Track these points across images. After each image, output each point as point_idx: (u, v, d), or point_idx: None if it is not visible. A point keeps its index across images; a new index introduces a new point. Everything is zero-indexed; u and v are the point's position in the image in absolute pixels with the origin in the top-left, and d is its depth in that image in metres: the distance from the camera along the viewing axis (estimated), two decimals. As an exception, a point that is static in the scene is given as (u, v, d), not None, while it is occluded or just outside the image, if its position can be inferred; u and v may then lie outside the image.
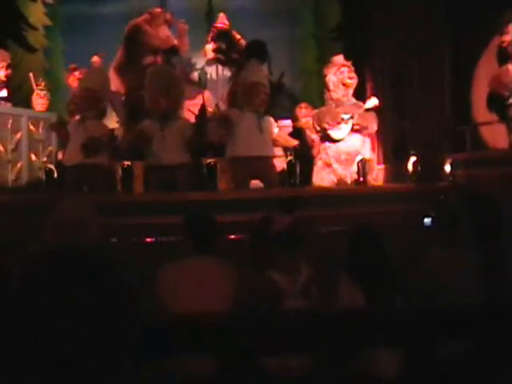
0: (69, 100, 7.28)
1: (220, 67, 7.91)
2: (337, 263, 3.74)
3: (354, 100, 6.70)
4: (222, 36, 7.76)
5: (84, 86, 6.23)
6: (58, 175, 5.95)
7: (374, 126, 6.64)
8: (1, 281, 3.40)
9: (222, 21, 7.85)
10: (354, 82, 6.63)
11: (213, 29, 7.87)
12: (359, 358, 3.12)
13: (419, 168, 6.06)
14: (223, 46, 7.77)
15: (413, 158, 6.09)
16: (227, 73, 7.92)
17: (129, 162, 5.96)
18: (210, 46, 7.91)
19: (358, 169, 6.18)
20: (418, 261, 3.54)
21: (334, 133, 6.47)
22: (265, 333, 3.04)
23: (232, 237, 5.03)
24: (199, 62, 8.04)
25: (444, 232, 3.62)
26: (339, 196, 5.81)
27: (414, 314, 3.11)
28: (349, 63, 6.70)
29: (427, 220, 4.15)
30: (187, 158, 6.07)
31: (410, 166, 6.09)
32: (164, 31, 7.77)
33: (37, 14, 8.70)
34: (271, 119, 6.31)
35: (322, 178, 6.46)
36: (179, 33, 7.90)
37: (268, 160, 6.16)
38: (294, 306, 3.44)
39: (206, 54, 7.95)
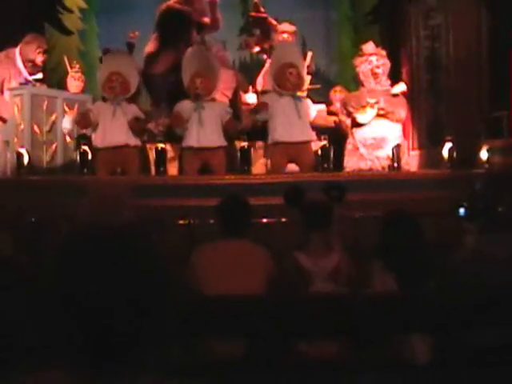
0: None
1: (253, 50, 7.88)
2: (370, 249, 3.73)
3: (388, 85, 6.63)
4: (258, 23, 7.71)
5: (112, 69, 6.23)
6: (92, 157, 5.99)
7: (401, 112, 6.54)
8: (38, 259, 3.45)
9: (257, 8, 7.79)
10: (383, 69, 6.55)
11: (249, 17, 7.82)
12: (392, 344, 3.10)
13: (455, 154, 5.97)
14: (258, 33, 7.72)
15: (448, 144, 6.00)
16: (260, 56, 7.88)
17: (163, 144, 5.98)
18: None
19: (393, 154, 6.12)
20: (451, 248, 3.51)
21: (359, 116, 6.41)
22: (296, 316, 3.03)
23: (266, 220, 5.03)
24: (233, 45, 8.01)
25: (478, 221, 3.58)
26: (372, 181, 5.77)
27: (447, 299, 3.07)
28: (378, 50, 6.63)
29: (462, 209, 4.09)
30: (223, 141, 6.06)
31: (445, 153, 6.00)
32: (197, 7, 7.73)
33: (72, -3, 8.74)
34: (309, 101, 6.27)
35: (353, 162, 6.42)
36: (211, 8, 7.85)
37: (306, 145, 6.13)
38: (321, 290, 3.44)
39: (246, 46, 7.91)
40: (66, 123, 6.26)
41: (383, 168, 6.30)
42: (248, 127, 6.42)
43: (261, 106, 6.19)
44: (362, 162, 6.37)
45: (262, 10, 7.72)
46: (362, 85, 6.61)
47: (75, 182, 5.51)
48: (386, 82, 6.62)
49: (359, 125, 6.43)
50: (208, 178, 5.68)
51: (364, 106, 6.36)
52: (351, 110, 6.41)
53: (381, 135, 6.36)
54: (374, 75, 6.51)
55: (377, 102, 6.36)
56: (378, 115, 6.40)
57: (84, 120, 6.17)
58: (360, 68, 6.57)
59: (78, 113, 6.30)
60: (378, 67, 6.51)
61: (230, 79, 7.06)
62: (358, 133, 6.42)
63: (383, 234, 3.50)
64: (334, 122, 6.58)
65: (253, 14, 7.79)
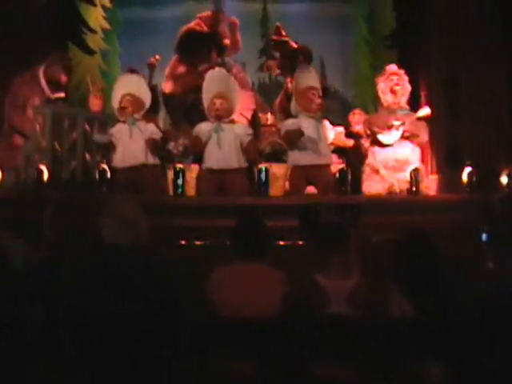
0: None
1: (273, 73, 7.93)
2: (387, 272, 3.71)
3: (407, 108, 6.65)
4: (278, 44, 7.77)
5: (124, 92, 6.30)
6: (111, 176, 6.03)
7: (424, 136, 6.57)
8: (54, 274, 3.47)
9: (278, 31, 7.85)
10: (402, 89, 6.58)
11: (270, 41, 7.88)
12: (408, 370, 3.08)
13: (474, 179, 5.94)
14: (278, 55, 7.77)
15: (468, 169, 5.98)
16: (279, 78, 7.93)
17: (181, 165, 6.02)
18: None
19: (411, 178, 6.11)
20: (472, 274, 3.48)
21: (383, 137, 6.42)
22: (312, 340, 3.02)
23: (283, 242, 5.04)
24: (253, 67, 8.07)
25: (499, 246, 3.55)
26: (390, 204, 5.76)
27: (465, 326, 3.05)
28: (401, 72, 6.66)
29: (484, 234, 4.06)
30: (242, 163, 6.08)
31: (464, 177, 5.98)
32: (217, 29, 7.82)
33: (96, 18, 8.88)
34: (327, 123, 6.30)
35: (371, 184, 6.41)
36: (231, 30, 7.94)
37: (325, 167, 6.14)
38: (339, 313, 3.42)
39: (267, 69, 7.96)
40: (99, 138, 6.35)
41: (402, 191, 6.29)
42: (267, 149, 6.45)
43: (287, 135, 6.20)
44: (381, 184, 6.37)
45: (283, 33, 7.78)
46: (381, 104, 6.64)
47: (94, 200, 5.54)
48: (404, 105, 6.64)
49: (381, 146, 6.43)
50: (225, 199, 5.69)
51: (390, 128, 6.37)
52: (376, 130, 6.42)
53: (403, 158, 6.37)
54: (393, 92, 6.55)
55: (402, 124, 6.38)
56: (402, 137, 6.42)
57: (108, 146, 6.25)
58: (380, 85, 6.61)
59: (101, 136, 6.36)
60: (397, 85, 6.55)
61: (249, 101, 7.11)
62: (380, 154, 6.42)
63: (399, 257, 3.49)
64: (353, 144, 6.59)
65: (274, 37, 7.84)
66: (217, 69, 6.67)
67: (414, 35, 7.71)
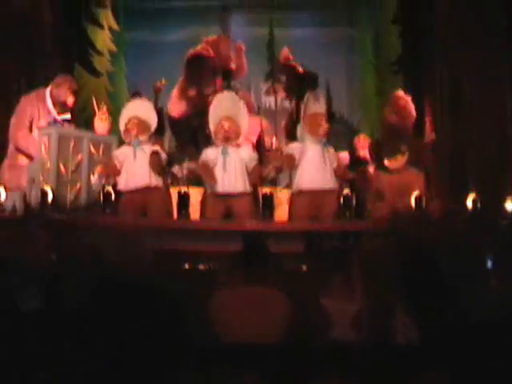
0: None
1: (278, 97, 7.94)
2: (393, 294, 3.70)
3: (412, 134, 6.65)
4: (285, 69, 7.80)
5: (131, 115, 6.33)
6: (115, 198, 6.03)
7: (429, 161, 6.57)
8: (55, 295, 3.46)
9: (285, 54, 7.90)
10: (408, 114, 6.59)
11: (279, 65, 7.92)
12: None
13: (479, 205, 5.93)
14: (284, 79, 7.80)
15: (472, 195, 5.97)
16: (285, 103, 7.94)
17: (186, 188, 6.02)
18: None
19: (416, 203, 6.09)
20: (475, 298, 3.46)
21: (389, 162, 6.42)
22: (315, 363, 3.01)
23: (288, 267, 5.02)
24: (258, 90, 8.10)
25: (504, 273, 3.54)
26: (394, 229, 5.74)
27: (469, 343, 3.03)
28: (407, 97, 6.67)
29: (489, 261, 4.05)
30: (248, 187, 6.08)
31: (469, 203, 5.97)
32: (222, 53, 7.87)
33: (103, 40, 8.95)
34: (333, 150, 6.31)
35: (376, 209, 6.40)
36: (237, 54, 7.99)
37: (330, 192, 6.13)
38: (342, 336, 3.41)
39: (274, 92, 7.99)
40: (97, 180, 6.37)
41: (406, 216, 6.26)
42: (271, 173, 6.45)
43: (287, 160, 6.21)
44: (386, 209, 6.35)
45: (291, 57, 7.81)
46: (386, 130, 6.64)
47: (97, 223, 5.55)
48: (409, 130, 6.64)
49: (387, 171, 6.43)
50: (230, 224, 5.69)
51: (395, 153, 6.37)
52: (381, 155, 6.42)
53: (409, 182, 6.35)
54: (398, 118, 6.55)
55: (408, 149, 6.38)
56: (408, 162, 6.41)
57: (111, 170, 6.25)
58: (385, 110, 6.62)
59: (103, 165, 6.36)
60: (402, 110, 6.55)
61: (254, 125, 7.12)
62: (386, 179, 6.42)
63: (406, 280, 3.48)
64: (358, 169, 6.58)
65: (282, 61, 7.87)
66: (225, 92, 6.69)
67: (419, 61, 7.74)
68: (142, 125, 6.26)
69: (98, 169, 6.34)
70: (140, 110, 6.37)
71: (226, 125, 6.13)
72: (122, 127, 6.35)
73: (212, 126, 6.25)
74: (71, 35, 8.30)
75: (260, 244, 3.88)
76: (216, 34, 8.22)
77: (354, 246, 4.51)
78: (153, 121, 6.39)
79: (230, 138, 6.12)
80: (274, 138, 7.33)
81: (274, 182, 6.39)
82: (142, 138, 6.24)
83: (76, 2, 8.29)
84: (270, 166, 6.47)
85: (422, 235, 5.34)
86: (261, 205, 5.91)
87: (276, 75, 7.91)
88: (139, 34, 9.25)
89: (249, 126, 6.63)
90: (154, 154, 6.15)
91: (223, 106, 6.29)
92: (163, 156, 6.29)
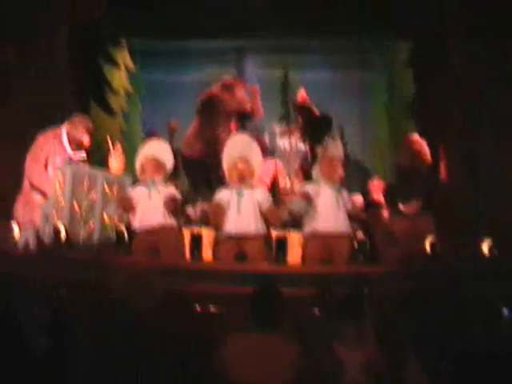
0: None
1: (292, 139, 7.96)
2: (406, 342, 3.66)
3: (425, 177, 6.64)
4: (301, 111, 7.84)
5: (147, 155, 6.38)
6: (128, 237, 6.03)
7: (444, 205, 6.52)
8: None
9: (302, 95, 7.95)
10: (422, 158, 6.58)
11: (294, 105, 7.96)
12: None
13: (495, 251, 5.87)
14: (300, 121, 7.84)
15: (487, 239, 5.92)
16: (299, 145, 7.96)
17: (199, 229, 6.01)
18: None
19: (430, 248, 6.05)
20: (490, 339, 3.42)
21: (404, 207, 6.39)
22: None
23: (299, 311, 4.97)
24: (273, 132, 8.12)
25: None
26: (409, 274, 5.69)
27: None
28: (421, 141, 6.67)
29: (505, 310, 3.99)
30: (261, 229, 6.06)
31: (484, 247, 5.91)
32: (238, 96, 7.93)
33: (120, 80, 9.04)
34: (347, 193, 6.30)
35: (390, 253, 6.34)
36: (252, 96, 8.05)
37: (344, 236, 6.11)
38: (353, 381, 3.38)
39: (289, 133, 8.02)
40: (111, 210, 6.39)
41: (420, 261, 6.21)
42: (286, 215, 6.43)
43: (302, 196, 6.21)
44: (400, 254, 6.30)
45: (307, 98, 7.86)
46: (400, 173, 6.63)
47: (110, 261, 5.55)
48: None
49: (402, 215, 6.39)
50: (242, 266, 5.66)
51: (410, 197, 6.34)
52: (396, 199, 6.40)
53: (424, 227, 6.30)
54: (412, 161, 6.53)
55: (423, 193, 6.35)
56: (423, 207, 6.38)
57: (126, 204, 6.27)
58: (400, 154, 6.61)
59: (120, 197, 6.40)
60: (417, 153, 6.54)
61: (269, 166, 7.14)
62: (400, 223, 6.37)
63: (419, 328, 3.46)
64: (373, 213, 6.55)
65: (298, 102, 7.91)
66: (239, 133, 6.73)
67: (433, 104, 7.76)
68: (158, 165, 6.32)
69: (115, 201, 6.38)
70: (157, 150, 6.43)
71: (240, 165, 6.16)
72: (138, 166, 6.40)
73: (226, 167, 6.27)
74: (87, 74, 8.39)
75: (273, 287, 3.85)
76: (231, 75, 8.30)
77: (367, 291, 4.47)
78: (169, 162, 6.44)
79: (245, 178, 6.14)
80: (289, 180, 7.33)
81: (288, 225, 6.36)
82: (158, 178, 6.28)
83: (92, 41, 8.39)
84: (284, 207, 6.46)
85: (436, 281, 5.31)
86: (274, 247, 5.89)
87: (291, 116, 7.95)
88: (156, 74, 9.33)
89: (263, 167, 6.65)
90: (170, 196, 6.17)
91: (237, 148, 6.33)
92: (178, 198, 6.30)
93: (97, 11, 8.13)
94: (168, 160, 6.43)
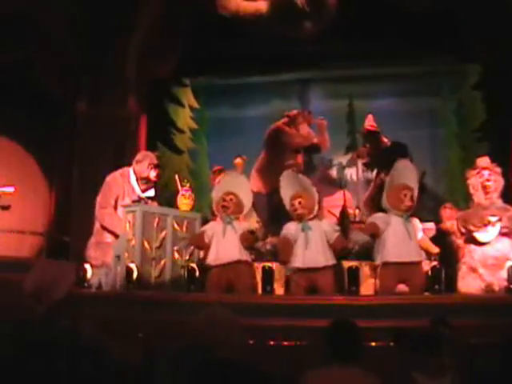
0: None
1: (360, 168, 7.89)
2: (485, 376, 3.52)
3: (500, 203, 6.41)
4: (369, 137, 7.76)
5: (226, 190, 6.37)
6: (199, 274, 6.03)
7: None
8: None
9: (370, 122, 7.86)
10: (494, 184, 6.35)
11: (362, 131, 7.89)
12: None
13: None
14: (369, 147, 7.75)
15: None
16: (367, 174, 7.88)
17: (270, 264, 5.97)
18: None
19: (508, 275, 5.82)
20: None
21: (480, 235, 6.17)
22: None
23: (375, 344, 4.85)
24: (340, 163, 8.08)
25: None
26: (488, 304, 5.49)
27: None
28: (492, 165, 6.46)
29: None
30: (330, 261, 5.98)
31: None
32: (304, 130, 7.91)
33: (184, 118, 9.18)
34: (416, 221, 6.16)
35: (468, 283, 6.13)
36: (319, 129, 8.03)
37: (417, 265, 5.96)
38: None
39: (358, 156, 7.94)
40: (181, 247, 6.43)
41: (501, 290, 5.98)
42: (355, 246, 6.33)
43: (369, 227, 6.12)
44: (478, 283, 6.09)
45: (375, 124, 7.77)
46: (472, 200, 6.43)
47: (184, 299, 5.56)
48: (497, 199, 6.41)
49: (478, 244, 6.19)
50: (315, 299, 5.58)
51: (486, 224, 6.14)
52: (472, 228, 6.19)
53: (502, 255, 6.08)
54: (484, 189, 6.32)
55: (499, 220, 6.14)
56: (500, 234, 6.16)
57: (198, 241, 6.29)
58: (470, 180, 6.40)
59: (193, 235, 6.43)
60: (488, 180, 6.33)
61: (336, 197, 7.07)
62: (478, 252, 6.16)
63: (502, 362, 3.31)
64: (446, 241, 6.38)
65: (366, 128, 7.83)
66: (285, 171, 6.66)
67: (504, 126, 7.58)
68: (238, 203, 6.29)
69: (185, 238, 6.41)
70: (237, 186, 6.42)
71: (296, 202, 6.11)
72: (216, 200, 6.38)
73: (286, 205, 6.24)
74: (154, 116, 8.54)
75: (349, 322, 3.77)
76: (296, 108, 8.30)
77: (444, 323, 4.31)
78: (248, 201, 6.42)
79: (303, 214, 6.08)
80: (357, 210, 7.24)
81: (359, 255, 6.26)
82: (236, 216, 6.27)
83: (158, 83, 8.54)
84: (354, 238, 6.37)
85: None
86: (346, 278, 5.79)
87: (358, 146, 7.89)
88: (220, 110, 9.43)
89: (331, 198, 6.58)
90: (249, 232, 6.15)
91: (289, 185, 6.30)
92: (255, 231, 6.28)
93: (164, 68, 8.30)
94: (248, 199, 6.41)
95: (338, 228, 6.22)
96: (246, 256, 6.14)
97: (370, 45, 8.03)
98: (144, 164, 6.79)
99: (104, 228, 6.67)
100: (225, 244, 6.12)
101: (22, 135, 8.51)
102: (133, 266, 5.99)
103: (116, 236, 6.55)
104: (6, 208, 8.20)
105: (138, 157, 6.87)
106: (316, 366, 3.47)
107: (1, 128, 8.29)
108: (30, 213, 8.55)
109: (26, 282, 3.13)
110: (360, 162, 7.96)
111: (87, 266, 6.23)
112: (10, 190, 8.22)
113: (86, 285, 6.10)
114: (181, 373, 2.86)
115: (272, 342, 5.14)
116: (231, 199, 6.26)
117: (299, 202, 6.13)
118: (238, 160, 7.62)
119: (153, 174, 6.82)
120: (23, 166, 8.63)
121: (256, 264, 6.18)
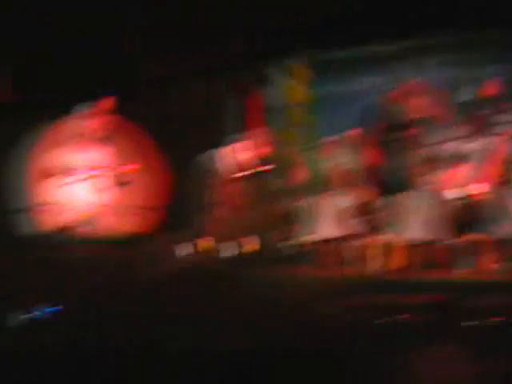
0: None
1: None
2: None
3: None
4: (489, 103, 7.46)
5: (336, 163, 6.36)
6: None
7: None
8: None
9: (491, 87, 7.53)
10: None
11: None
12: None
13: None
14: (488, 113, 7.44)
15: None
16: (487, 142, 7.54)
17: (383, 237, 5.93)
18: None
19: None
20: None
21: None
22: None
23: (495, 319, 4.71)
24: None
25: None
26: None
27: None
28: None
29: None
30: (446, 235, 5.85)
31: None
32: (420, 102, 7.72)
33: (296, 92, 9.15)
34: None
35: None
36: (437, 100, 7.78)
37: None
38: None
39: None
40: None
41: None
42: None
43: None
44: None
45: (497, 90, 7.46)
46: None
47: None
48: None
49: None
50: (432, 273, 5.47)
51: None
52: None
53: None
54: None
55: None
56: None
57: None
58: None
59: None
60: None
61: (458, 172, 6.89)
62: None
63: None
64: None
65: (485, 95, 7.51)
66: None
67: None
68: (347, 174, 6.29)
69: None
70: (344, 159, 6.42)
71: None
72: (329, 171, 6.34)
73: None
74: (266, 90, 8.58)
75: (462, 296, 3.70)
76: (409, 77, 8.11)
77: None
78: (357, 171, 6.40)
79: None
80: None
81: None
82: (344, 187, 6.26)
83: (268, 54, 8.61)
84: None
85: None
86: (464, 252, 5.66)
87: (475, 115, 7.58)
88: (329, 84, 9.30)
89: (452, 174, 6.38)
90: (359, 203, 6.14)
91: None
92: (367, 205, 6.27)
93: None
94: (356, 169, 6.40)
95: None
96: (355, 230, 6.08)
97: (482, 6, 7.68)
98: (257, 140, 6.90)
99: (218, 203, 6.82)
100: (335, 218, 6.10)
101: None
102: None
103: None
104: (125, 184, 8.48)
105: (252, 132, 6.98)
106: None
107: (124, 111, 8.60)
108: (149, 189, 8.82)
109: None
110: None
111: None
112: (134, 167, 8.50)
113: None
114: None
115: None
116: (340, 172, 6.26)
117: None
118: (350, 133, 7.54)
119: (266, 150, 6.91)
120: (144, 144, 8.92)
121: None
